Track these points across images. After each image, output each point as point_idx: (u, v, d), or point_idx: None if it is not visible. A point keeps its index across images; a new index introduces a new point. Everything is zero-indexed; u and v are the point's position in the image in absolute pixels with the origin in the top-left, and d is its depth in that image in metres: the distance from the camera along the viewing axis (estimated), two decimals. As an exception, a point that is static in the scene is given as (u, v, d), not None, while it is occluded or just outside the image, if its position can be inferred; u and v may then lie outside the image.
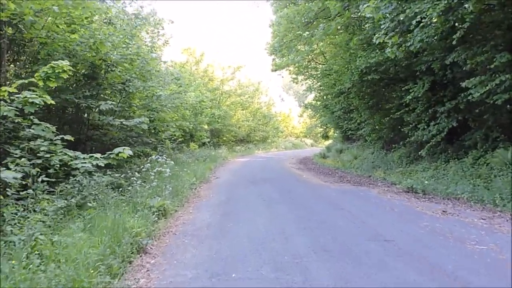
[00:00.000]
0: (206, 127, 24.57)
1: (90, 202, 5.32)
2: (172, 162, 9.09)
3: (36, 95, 4.54)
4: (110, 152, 5.61)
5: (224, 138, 30.98)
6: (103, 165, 5.47)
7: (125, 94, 8.38)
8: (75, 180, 5.73)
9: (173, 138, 14.44)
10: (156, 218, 5.84)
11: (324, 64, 25.02)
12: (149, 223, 5.33)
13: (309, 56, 24.92)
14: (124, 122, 7.30)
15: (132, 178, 7.07)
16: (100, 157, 5.47)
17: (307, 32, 17.06)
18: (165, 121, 9.91)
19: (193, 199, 8.29)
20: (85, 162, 5.32)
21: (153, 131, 9.77)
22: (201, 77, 30.50)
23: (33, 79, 4.90)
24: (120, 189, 6.62)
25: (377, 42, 10.05)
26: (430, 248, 4.45)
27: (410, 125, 12.84)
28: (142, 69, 8.40)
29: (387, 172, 13.81)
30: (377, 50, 13.08)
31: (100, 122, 7.37)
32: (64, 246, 3.61)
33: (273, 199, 8.15)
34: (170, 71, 15.80)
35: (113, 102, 7.11)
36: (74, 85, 8.03)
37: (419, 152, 12.54)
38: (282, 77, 29.23)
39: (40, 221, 4.05)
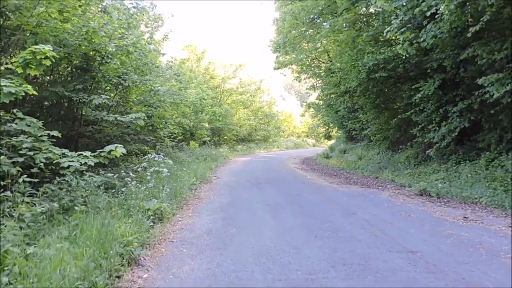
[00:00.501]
0: (207, 125, 24.03)
1: (78, 206, 4.77)
2: (171, 161, 8.55)
3: (13, 83, 3.97)
4: (100, 150, 5.05)
5: (225, 137, 30.44)
6: (93, 163, 4.91)
7: (121, 88, 7.82)
8: (63, 180, 5.19)
9: (172, 136, 13.90)
10: (152, 223, 5.28)
11: (328, 63, 24.54)
12: (143, 229, 4.77)
13: (313, 54, 24.42)
14: (119, 118, 6.74)
15: (126, 179, 6.52)
16: (90, 155, 4.91)
17: (311, 30, 16.56)
18: (163, 118, 9.32)
19: (192, 201, 7.73)
20: (72, 161, 4.77)
21: (150, 128, 9.20)
22: (202, 74, 29.96)
23: (10, 66, 4.33)
24: (114, 190, 6.07)
25: (387, 36, 9.52)
26: (463, 263, 3.90)
27: (419, 126, 12.29)
28: (139, 62, 7.84)
29: (394, 173, 13.28)
30: (386, 47, 12.54)
31: (93, 117, 6.80)
32: (40, 259, 3.06)
33: (279, 203, 7.59)
34: (170, 66, 15.23)
35: (107, 96, 6.56)
36: (68, 78, 7.50)
37: (427, 152, 12.01)
38: (285, 75, 28.67)
39: (16, 228, 3.50)
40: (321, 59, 25.00)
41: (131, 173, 6.88)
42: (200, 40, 77.24)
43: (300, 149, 41.95)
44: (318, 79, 24.03)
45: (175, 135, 15.05)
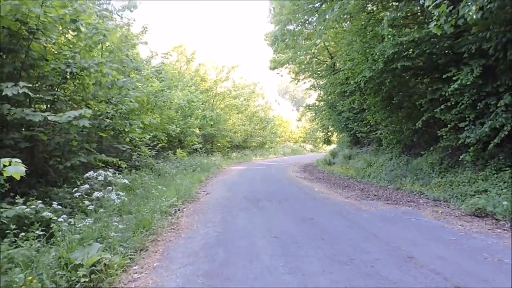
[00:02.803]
0: (197, 131, 21.77)
1: None
2: (125, 180, 6.24)
3: None
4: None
5: (219, 144, 28.18)
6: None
7: (68, 75, 5.58)
8: None
9: (153, 144, 11.66)
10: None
11: (328, 61, 22.48)
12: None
13: (312, 51, 22.36)
14: (50, 117, 4.50)
15: (59, 212, 4.26)
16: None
17: (313, 17, 14.46)
18: (130, 118, 6.95)
19: (166, 235, 5.43)
20: None
21: (112, 132, 6.90)
22: (192, 77, 27.76)
23: None
24: (31, 229, 3.80)
25: (430, 7, 7.35)
26: None
27: (449, 125, 10.16)
28: (91, 40, 5.62)
29: (417, 182, 11.14)
30: (412, 27, 10.40)
31: (11, 116, 4.55)
32: None
33: (291, 236, 5.32)
34: (149, 60, 13.06)
35: (28, 85, 4.33)
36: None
37: (461, 157, 9.85)
38: (281, 75, 26.56)
39: None
40: (321, 57, 22.95)
41: (68, 200, 4.60)
42: (191, 42, 74.72)
43: (298, 155, 39.74)
44: (318, 78, 21.90)
45: (155, 142, 12.79)
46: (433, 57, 10.28)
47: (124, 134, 6.77)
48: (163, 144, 14.94)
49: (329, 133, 30.09)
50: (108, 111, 6.29)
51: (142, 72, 13.41)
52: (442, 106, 9.93)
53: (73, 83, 5.84)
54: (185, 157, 15.19)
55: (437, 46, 9.65)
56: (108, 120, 6.26)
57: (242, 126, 32.41)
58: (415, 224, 5.95)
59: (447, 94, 9.74)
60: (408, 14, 10.73)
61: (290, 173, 17.67)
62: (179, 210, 7.33)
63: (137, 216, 5.46)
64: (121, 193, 5.30)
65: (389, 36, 10.23)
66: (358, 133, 19.73)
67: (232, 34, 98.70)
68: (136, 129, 6.55)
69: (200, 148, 20.77)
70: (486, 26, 8.47)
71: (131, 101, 6.47)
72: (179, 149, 15.13)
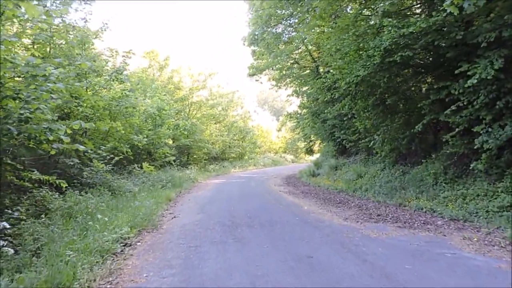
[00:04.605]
0: (170, 142, 19.82)
1: None
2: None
3: None
4: None
5: (195, 156, 26.19)
6: None
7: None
8: None
9: (109, 157, 9.73)
10: None
11: (310, 66, 21.09)
12: None
13: (294, 56, 20.93)
14: None
15: None
16: None
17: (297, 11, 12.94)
18: (41, 120, 4.95)
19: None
20: None
21: (27, 142, 4.94)
22: (165, 84, 25.84)
23: None
24: None
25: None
26: None
27: (457, 129, 8.73)
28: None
29: (421, 196, 9.63)
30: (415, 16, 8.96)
31: None
32: None
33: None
34: (106, 61, 11.21)
35: None
36: None
37: (472, 166, 8.40)
38: (261, 83, 24.95)
39: None
40: (303, 61, 21.53)
41: None
42: (165, 48, 72.08)
43: (279, 166, 38.05)
44: (301, 84, 20.41)
45: (117, 155, 10.84)
46: (440, 51, 8.87)
47: (45, 144, 4.88)
48: (129, 156, 12.97)
49: (312, 143, 28.65)
50: (21, 112, 4.38)
51: (103, 75, 11.53)
52: (453, 107, 8.45)
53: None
54: (153, 171, 13.19)
55: (447, 37, 8.20)
56: (16, 125, 4.33)
57: (220, 136, 30.57)
58: (456, 264, 4.26)
59: (457, 92, 8.32)
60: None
61: (272, 187, 15.93)
62: (130, 245, 5.42)
63: (53, 267, 3.56)
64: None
65: (389, 28, 8.73)
66: (345, 142, 18.26)
67: (209, 42, 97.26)
68: (62, 136, 4.68)
69: (174, 161, 18.78)
70: (508, 8, 7.08)
71: (51, 96, 4.54)
72: (146, 162, 13.12)
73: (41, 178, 5.91)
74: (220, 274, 4.11)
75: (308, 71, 20.90)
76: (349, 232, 6.10)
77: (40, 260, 4.04)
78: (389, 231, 6.14)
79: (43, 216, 5.20)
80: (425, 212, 7.96)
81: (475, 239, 5.33)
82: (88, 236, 5.02)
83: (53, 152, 5.00)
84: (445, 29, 8.18)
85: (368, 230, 6.26)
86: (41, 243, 4.45)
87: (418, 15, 8.52)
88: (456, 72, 8.00)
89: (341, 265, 4.31)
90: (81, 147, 5.19)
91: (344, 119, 16.43)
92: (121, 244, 5.30)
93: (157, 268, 4.33)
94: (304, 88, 19.75)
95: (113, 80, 11.24)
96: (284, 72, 21.60)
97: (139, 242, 5.69)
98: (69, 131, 4.93)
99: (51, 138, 4.71)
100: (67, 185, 6.55)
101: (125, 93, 11.17)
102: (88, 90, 10.56)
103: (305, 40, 18.20)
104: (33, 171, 6.23)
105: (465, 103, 8.28)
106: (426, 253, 4.67)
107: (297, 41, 18.17)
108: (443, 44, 8.39)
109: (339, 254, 4.80)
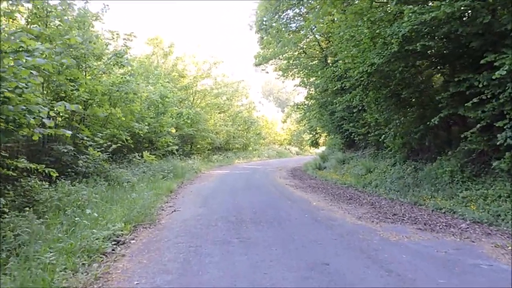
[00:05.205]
0: (173, 131, 19.26)
1: None
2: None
3: None
4: None
5: (198, 146, 25.68)
6: None
7: None
8: None
9: (105, 145, 9.22)
10: None
11: (318, 56, 20.40)
12: None
13: (303, 44, 20.23)
14: None
15: None
16: None
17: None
18: (22, 101, 4.34)
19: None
20: None
21: (3, 126, 4.34)
22: (169, 72, 25.23)
23: None
24: None
25: None
26: None
27: (479, 124, 8.08)
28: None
29: (437, 194, 9.08)
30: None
31: None
32: None
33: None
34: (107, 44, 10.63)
35: None
36: None
37: (494, 165, 7.80)
38: (267, 72, 24.27)
39: None
40: (311, 50, 20.81)
41: None
42: (170, 35, 70.97)
43: (283, 158, 37.45)
44: (309, 74, 19.71)
45: (116, 143, 10.32)
46: (462, 40, 8.20)
47: (25, 127, 4.34)
48: (129, 144, 12.45)
49: (317, 135, 28.00)
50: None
51: (103, 59, 10.95)
52: (475, 100, 7.80)
53: None
54: (154, 160, 12.67)
55: (472, 25, 7.52)
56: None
57: (224, 126, 29.98)
58: (498, 280, 3.69)
59: (481, 85, 7.67)
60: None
61: (278, 180, 15.39)
62: (123, 243, 4.90)
63: (27, 271, 3.05)
64: None
65: (410, 14, 8.02)
66: (353, 135, 17.63)
67: (216, 30, 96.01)
68: (45, 120, 4.14)
69: (176, 150, 18.27)
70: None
71: (31, 72, 3.97)
72: (147, 151, 12.59)
73: (29, 167, 5.39)
74: (222, 284, 3.57)
75: (316, 61, 20.21)
76: (365, 234, 5.55)
77: (18, 261, 3.53)
78: (409, 234, 5.58)
79: (27, 208, 4.67)
80: (445, 213, 7.39)
81: (510, 247, 4.76)
82: (76, 233, 4.51)
83: (35, 138, 4.46)
84: (469, 14, 7.50)
85: (386, 232, 5.70)
86: (22, 241, 3.94)
87: (439, 1, 7.80)
88: (482, 62, 7.34)
89: (363, 276, 3.76)
90: (68, 132, 4.64)
91: (354, 111, 15.74)
92: (113, 243, 4.77)
93: (150, 274, 3.81)
94: (312, 79, 19.05)
95: (113, 64, 10.68)
96: (291, 61, 20.92)
97: (133, 239, 5.17)
98: (52, 114, 4.39)
99: (32, 121, 4.17)
100: (57, 175, 6.04)
101: (125, 78, 10.60)
102: (87, 74, 10.01)
103: (314, 30, 17.51)
104: (20, 159, 5.72)
105: (488, 96, 7.63)
106: (459, 264, 4.11)
107: (305, 29, 17.49)
108: (466, 33, 7.70)
109: (358, 261, 4.25)
